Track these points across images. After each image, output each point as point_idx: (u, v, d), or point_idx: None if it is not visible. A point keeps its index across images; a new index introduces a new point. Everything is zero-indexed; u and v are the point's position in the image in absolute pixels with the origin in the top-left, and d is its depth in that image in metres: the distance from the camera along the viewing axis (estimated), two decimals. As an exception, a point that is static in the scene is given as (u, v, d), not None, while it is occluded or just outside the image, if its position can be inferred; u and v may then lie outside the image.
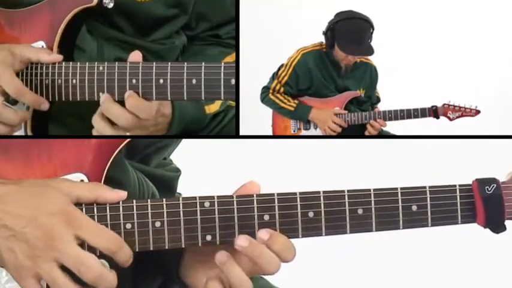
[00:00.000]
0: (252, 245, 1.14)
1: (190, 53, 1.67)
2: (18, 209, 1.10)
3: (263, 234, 1.15)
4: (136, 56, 1.40)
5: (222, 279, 1.17)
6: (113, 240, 1.12)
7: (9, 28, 1.51)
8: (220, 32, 1.70)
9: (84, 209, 1.14)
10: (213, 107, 1.57)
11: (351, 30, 2.36)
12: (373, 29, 2.37)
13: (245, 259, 1.15)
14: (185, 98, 1.35)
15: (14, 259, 1.09)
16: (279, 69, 2.48)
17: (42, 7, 1.48)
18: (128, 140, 1.21)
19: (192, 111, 1.51)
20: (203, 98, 1.35)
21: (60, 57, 1.44)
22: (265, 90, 2.48)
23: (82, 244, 1.11)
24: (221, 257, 1.14)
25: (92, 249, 1.12)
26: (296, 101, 2.43)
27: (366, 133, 2.37)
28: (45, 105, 1.44)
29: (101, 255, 1.12)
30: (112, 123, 1.39)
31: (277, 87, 2.45)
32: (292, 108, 2.43)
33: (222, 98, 1.34)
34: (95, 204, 1.14)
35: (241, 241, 1.14)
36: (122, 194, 1.15)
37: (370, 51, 2.36)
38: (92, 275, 1.09)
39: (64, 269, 1.10)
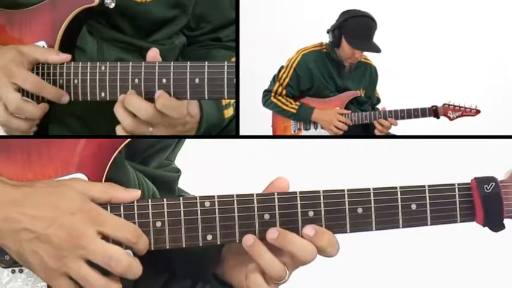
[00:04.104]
0: (281, 235, 1.15)
1: (195, 57, 1.66)
2: (36, 211, 1.10)
3: (308, 230, 1.16)
4: (153, 52, 1.39)
5: (262, 272, 1.17)
6: (133, 231, 1.13)
7: (10, 29, 1.51)
8: (220, 34, 1.70)
9: None
10: (230, 111, 1.56)
11: (362, 27, 2.37)
12: (376, 28, 2.38)
13: (283, 254, 1.16)
14: (188, 98, 1.36)
15: (40, 262, 1.10)
16: (279, 71, 2.48)
17: (43, 7, 1.48)
18: (128, 140, 1.21)
19: (215, 113, 1.51)
20: (206, 98, 1.34)
21: (69, 56, 1.44)
22: (267, 93, 2.48)
23: (104, 238, 1.12)
24: (247, 240, 1.15)
25: (115, 243, 1.12)
26: (298, 103, 2.44)
27: (376, 132, 2.38)
28: (65, 98, 1.43)
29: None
30: (134, 115, 1.37)
31: (279, 90, 2.45)
32: (295, 110, 2.43)
33: (226, 97, 1.34)
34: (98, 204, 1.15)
35: (271, 234, 1.15)
36: (135, 194, 1.16)
37: (379, 48, 2.37)
38: (122, 267, 1.10)
39: (90, 265, 1.10)
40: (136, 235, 1.13)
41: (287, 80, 2.44)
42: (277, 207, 1.17)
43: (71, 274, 1.10)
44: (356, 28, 2.37)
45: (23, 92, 1.42)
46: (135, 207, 1.16)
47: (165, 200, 1.16)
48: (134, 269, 1.12)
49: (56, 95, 1.43)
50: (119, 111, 1.37)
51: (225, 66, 1.33)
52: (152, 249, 1.16)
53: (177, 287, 1.31)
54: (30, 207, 1.10)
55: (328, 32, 2.43)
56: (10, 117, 1.42)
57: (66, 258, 1.09)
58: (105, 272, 1.11)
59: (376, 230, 1.18)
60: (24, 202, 1.11)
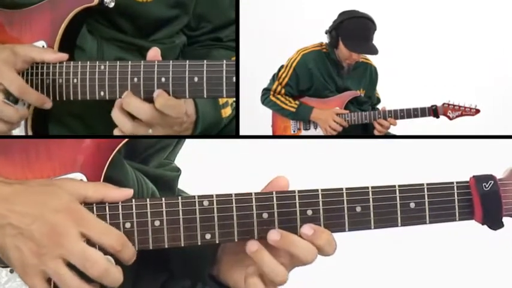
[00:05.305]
0: (283, 237, 1.15)
1: (195, 57, 1.66)
2: (24, 208, 1.10)
3: (307, 229, 1.16)
4: (153, 52, 1.39)
5: (261, 275, 1.17)
6: (118, 239, 1.12)
7: (9, 28, 1.51)
8: (221, 34, 1.70)
9: None
10: (228, 110, 1.56)
11: (358, 29, 2.37)
12: (375, 29, 2.38)
13: (282, 254, 1.16)
14: (187, 96, 1.36)
15: (20, 257, 1.10)
16: (279, 70, 2.48)
17: (42, 7, 1.48)
18: (126, 140, 1.21)
19: (212, 113, 1.51)
20: (205, 96, 1.34)
21: (65, 55, 1.44)
22: (266, 91, 2.49)
23: (88, 242, 1.11)
24: (251, 246, 1.15)
25: (100, 249, 1.12)
26: (297, 102, 2.44)
27: (375, 132, 2.38)
28: (48, 104, 1.44)
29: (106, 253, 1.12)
30: (133, 118, 1.37)
31: (278, 89, 2.45)
32: (294, 109, 2.43)
33: (224, 95, 1.34)
34: (94, 204, 1.15)
35: (273, 235, 1.15)
36: (128, 192, 1.16)
37: (376, 50, 2.37)
38: (97, 271, 1.10)
39: (70, 266, 1.10)
40: (121, 243, 1.12)
41: (286, 79, 2.44)
42: (275, 206, 1.17)
43: (48, 272, 1.10)
44: (352, 30, 2.37)
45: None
46: (134, 206, 1.15)
47: (163, 199, 1.16)
48: (112, 275, 1.11)
49: (39, 100, 1.43)
50: (117, 116, 1.37)
51: (224, 65, 1.33)
52: (151, 248, 1.15)
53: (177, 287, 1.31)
54: (18, 204, 1.11)
55: (326, 33, 2.43)
56: None
57: (45, 255, 1.09)
58: (87, 278, 1.11)
59: (374, 228, 1.18)
60: (14, 199, 1.11)
